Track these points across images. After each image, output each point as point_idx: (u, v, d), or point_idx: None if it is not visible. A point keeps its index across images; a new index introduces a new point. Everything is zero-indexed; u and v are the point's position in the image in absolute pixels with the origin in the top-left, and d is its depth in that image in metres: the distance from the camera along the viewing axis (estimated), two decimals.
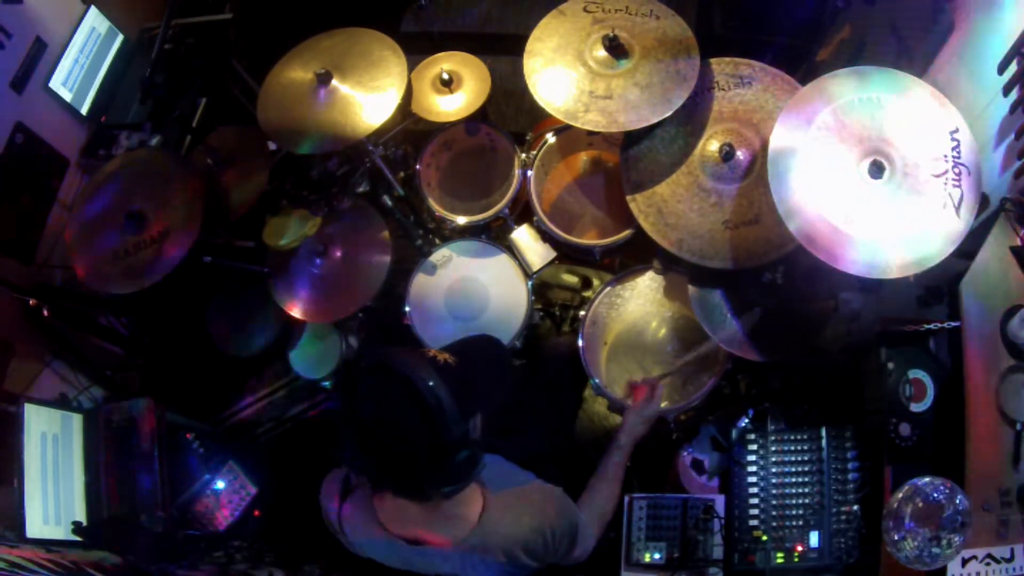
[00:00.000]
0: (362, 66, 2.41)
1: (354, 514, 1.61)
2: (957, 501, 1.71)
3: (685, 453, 2.37)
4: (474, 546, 1.53)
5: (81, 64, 3.00)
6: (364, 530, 1.60)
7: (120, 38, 3.17)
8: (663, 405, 2.30)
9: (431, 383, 1.32)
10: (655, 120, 2.11)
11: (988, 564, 1.72)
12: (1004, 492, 1.73)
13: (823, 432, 2.17)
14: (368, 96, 2.35)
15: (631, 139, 2.24)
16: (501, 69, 2.87)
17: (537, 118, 2.91)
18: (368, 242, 2.59)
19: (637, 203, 2.21)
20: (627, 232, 2.43)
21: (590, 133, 2.57)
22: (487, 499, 1.55)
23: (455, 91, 2.70)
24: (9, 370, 2.61)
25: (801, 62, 2.78)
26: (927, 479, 1.76)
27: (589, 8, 2.31)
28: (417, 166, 2.71)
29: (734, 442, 2.23)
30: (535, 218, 2.58)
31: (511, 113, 3.45)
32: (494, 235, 2.74)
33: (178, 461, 2.71)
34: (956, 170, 1.80)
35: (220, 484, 2.73)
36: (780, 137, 1.88)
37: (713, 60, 2.24)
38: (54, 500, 2.43)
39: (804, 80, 2.01)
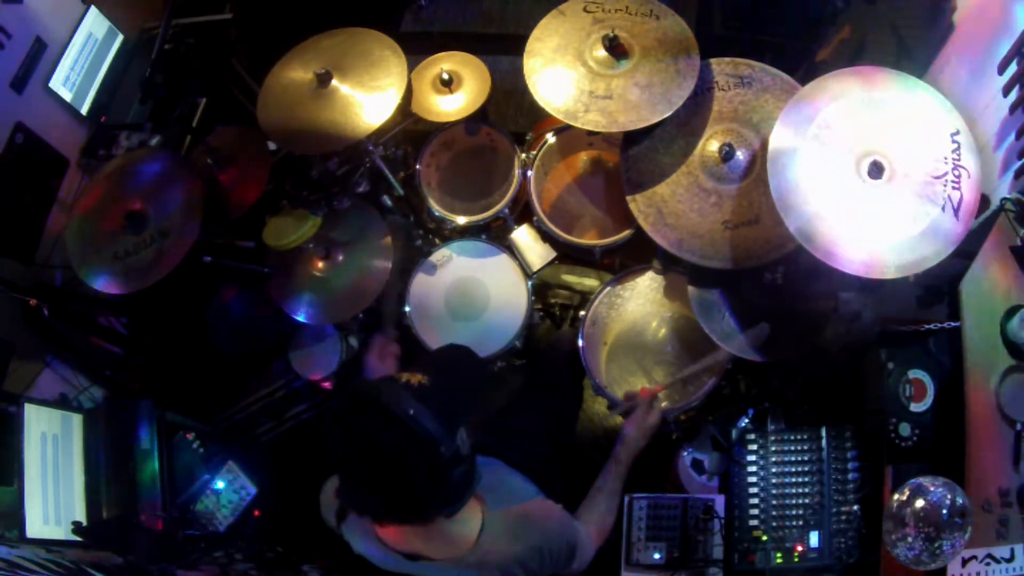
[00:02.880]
0: (362, 66, 2.41)
1: (352, 526, 1.61)
2: (957, 501, 1.71)
3: (685, 453, 2.37)
4: (471, 564, 1.53)
5: (81, 64, 3.00)
6: (363, 542, 1.61)
7: (120, 38, 3.17)
8: (663, 405, 2.30)
9: (411, 410, 1.31)
10: (655, 120, 2.11)
11: (988, 564, 1.72)
12: (1004, 492, 1.73)
13: (823, 432, 2.17)
14: (368, 96, 2.35)
15: (631, 139, 2.24)
16: (501, 69, 2.87)
17: (537, 118, 2.91)
18: (369, 244, 2.59)
19: (637, 203, 2.21)
20: (627, 232, 2.43)
21: (590, 133, 2.57)
22: (486, 517, 1.54)
23: (455, 91, 2.70)
24: (9, 370, 2.60)
25: (801, 62, 2.78)
26: (927, 479, 1.76)
27: (589, 8, 2.30)
28: (417, 166, 2.71)
29: (734, 442, 2.23)
30: (535, 218, 2.58)
31: (511, 113, 3.45)
32: (494, 235, 2.74)
33: (178, 461, 2.71)
34: (956, 172, 1.80)
35: (220, 484, 2.73)
36: (780, 137, 1.88)
37: (713, 60, 2.24)
38: (54, 500, 2.43)
39: (804, 80, 2.01)
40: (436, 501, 1.38)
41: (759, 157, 2.11)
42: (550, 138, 2.62)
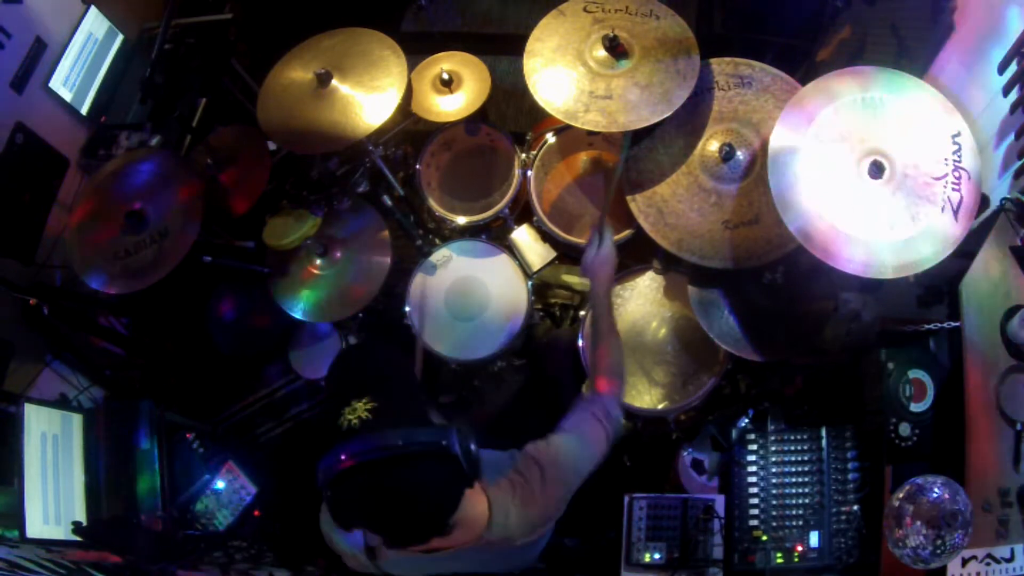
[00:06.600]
0: (362, 66, 2.41)
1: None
2: (957, 501, 1.71)
3: (685, 453, 2.37)
4: (491, 541, 1.52)
5: (81, 64, 3.00)
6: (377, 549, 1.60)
7: (120, 38, 3.17)
8: (662, 406, 2.30)
9: (399, 441, 1.29)
10: (655, 120, 2.11)
11: (988, 564, 1.72)
12: (1004, 492, 1.73)
13: (823, 432, 2.17)
14: (368, 96, 2.35)
15: (631, 139, 2.24)
16: (501, 69, 2.87)
17: (537, 118, 2.91)
18: (368, 242, 2.59)
19: (637, 203, 2.21)
20: (627, 232, 2.43)
21: (590, 133, 2.57)
22: (488, 493, 1.53)
23: (455, 91, 2.70)
24: (9, 370, 2.60)
25: (801, 62, 2.78)
26: (927, 478, 1.77)
27: (589, 8, 2.30)
28: (417, 166, 2.71)
29: (734, 442, 2.23)
30: (535, 218, 2.58)
31: (511, 113, 3.45)
32: (494, 235, 2.74)
33: (178, 461, 2.71)
34: (956, 174, 1.80)
35: (220, 484, 2.73)
36: (780, 137, 1.88)
37: (713, 60, 2.24)
38: (54, 500, 2.43)
39: (804, 80, 2.01)
40: (464, 479, 1.38)
41: (759, 157, 2.11)
42: (550, 138, 2.62)
